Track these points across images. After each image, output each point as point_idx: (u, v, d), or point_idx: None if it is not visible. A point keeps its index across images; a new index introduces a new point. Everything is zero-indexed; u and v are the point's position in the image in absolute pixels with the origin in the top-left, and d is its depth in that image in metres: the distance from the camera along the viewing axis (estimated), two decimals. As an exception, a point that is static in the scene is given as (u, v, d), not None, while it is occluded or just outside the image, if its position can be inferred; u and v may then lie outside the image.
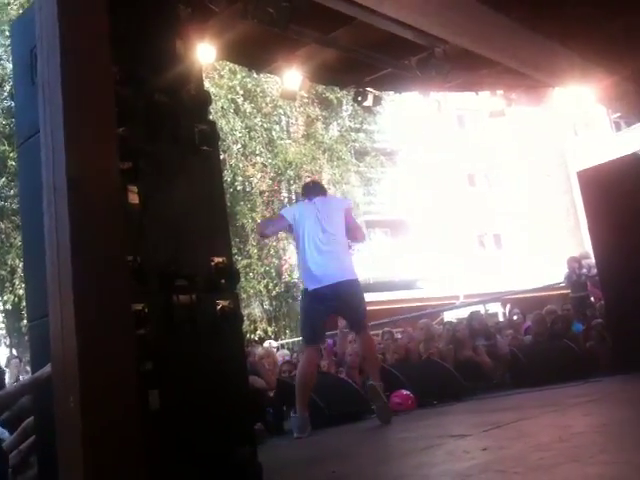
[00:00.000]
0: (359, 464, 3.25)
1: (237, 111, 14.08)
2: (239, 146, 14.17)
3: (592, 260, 7.92)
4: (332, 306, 4.92)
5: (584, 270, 9.52)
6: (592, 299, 8.96)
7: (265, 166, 15.05)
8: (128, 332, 2.35)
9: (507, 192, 24.97)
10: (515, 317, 10.61)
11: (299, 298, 16.29)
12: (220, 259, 2.88)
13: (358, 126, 17.68)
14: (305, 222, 5.00)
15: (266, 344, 9.43)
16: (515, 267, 22.64)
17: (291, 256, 16.72)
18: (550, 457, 2.44)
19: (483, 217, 24.53)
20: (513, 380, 7.22)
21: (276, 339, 13.95)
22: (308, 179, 5.93)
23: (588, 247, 8.06)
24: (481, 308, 12.37)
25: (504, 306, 16.43)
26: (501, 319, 13.10)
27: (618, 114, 21.65)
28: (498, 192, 25.34)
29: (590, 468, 2.22)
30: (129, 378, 2.32)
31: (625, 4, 5.68)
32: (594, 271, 7.94)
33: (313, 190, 5.31)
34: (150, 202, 2.65)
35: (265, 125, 14.85)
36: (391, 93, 12.20)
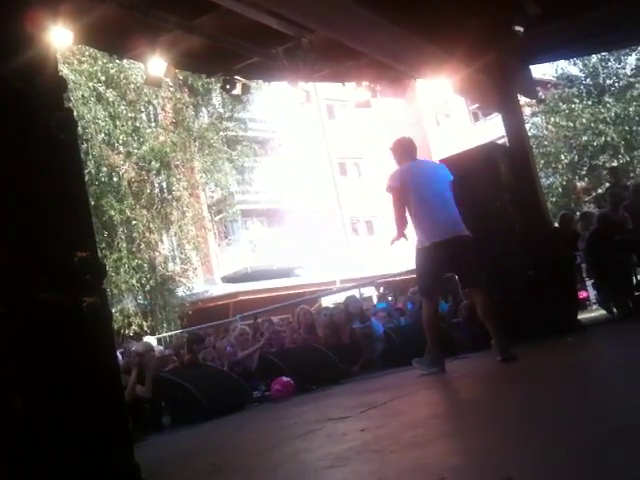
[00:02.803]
0: (239, 455, 3.23)
1: (99, 99, 13.43)
2: (103, 135, 13.52)
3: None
4: (448, 259, 4.92)
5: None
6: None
7: (131, 155, 14.48)
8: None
9: (376, 179, 25.80)
10: (390, 299, 10.99)
11: (174, 289, 15.83)
12: (84, 254, 2.72)
13: (229, 114, 17.45)
14: (417, 182, 5.01)
15: (146, 340, 9.10)
16: (387, 251, 23.45)
17: (165, 248, 16.30)
18: (423, 434, 2.53)
19: (355, 204, 25.20)
20: (387, 360, 7.49)
21: (152, 333, 13.54)
22: (399, 137, 5.57)
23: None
24: (356, 292, 12.68)
25: (378, 289, 17.00)
26: (375, 302, 13.53)
27: (476, 105, 22.98)
28: (367, 179, 26.11)
29: (460, 442, 2.35)
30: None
31: (479, 4, 6.03)
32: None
33: (412, 150, 5.29)
34: (1, 196, 2.45)
35: (130, 114, 14.27)
36: (261, 82, 12.19)
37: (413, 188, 4.99)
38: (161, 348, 9.67)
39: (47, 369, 2.54)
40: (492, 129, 19.33)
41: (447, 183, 5.15)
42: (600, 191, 16.54)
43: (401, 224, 5.02)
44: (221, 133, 16.91)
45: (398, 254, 22.23)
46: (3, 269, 2.46)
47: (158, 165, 14.69)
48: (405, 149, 5.31)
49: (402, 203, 5.01)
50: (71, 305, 2.70)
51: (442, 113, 29.21)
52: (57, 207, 2.67)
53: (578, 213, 12.25)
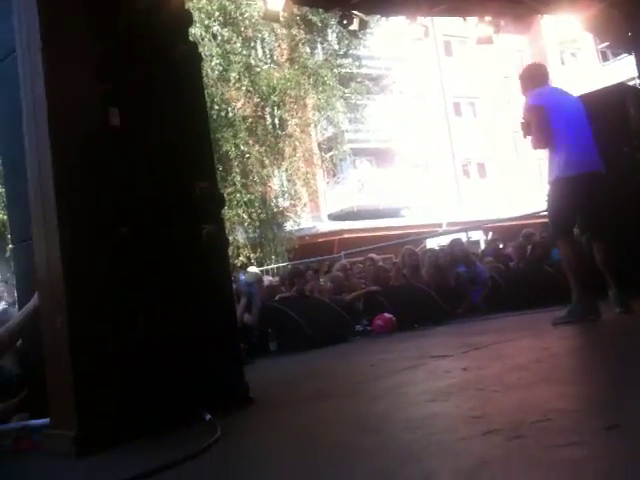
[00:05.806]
0: (343, 383, 3.35)
1: (214, 37, 13.64)
2: (217, 72, 13.79)
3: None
4: (585, 195, 4.43)
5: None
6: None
7: (248, 91, 14.72)
8: (107, 262, 2.36)
9: (492, 121, 24.80)
10: (501, 245, 10.75)
11: (283, 224, 16.18)
12: (205, 184, 2.86)
13: (344, 50, 17.19)
14: (558, 107, 4.53)
15: (251, 269, 9.46)
16: (498, 195, 22.77)
17: (275, 183, 16.65)
18: (527, 377, 2.52)
19: (468, 146, 24.44)
20: (493, 305, 7.38)
21: (260, 265, 14.01)
22: (529, 63, 5.30)
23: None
24: (463, 236, 12.45)
25: (486, 234, 16.61)
26: (483, 247, 13.26)
27: (605, 44, 21.34)
28: (483, 121, 25.16)
29: (566, 387, 2.32)
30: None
31: None
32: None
33: (547, 74, 4.83)
34: (132, 124, 2.59)
35: (245, 51, 14.42)
36: (378, 17, 11.91)
37: (553, 112, 4.48)
38: (270, 278, 10.01)
39: (167, 291, 2.72)
40: (622, 70, 17.92)
41: (585, 114, 4.61)
42: None
43: (550, 145, 4.46)
44: (335, 70, 16.73)
45: (509, 199, 21.44)
46: (133, 196, 2.63)
47: (275, 99, 14.82)
48: (540, 73, 4.82)
49: (548, 123, 4.43)
50: (192, 231, 2.86)
51: (568, 52, 27.39)
52: (182, 138, 2.79)
53: None
